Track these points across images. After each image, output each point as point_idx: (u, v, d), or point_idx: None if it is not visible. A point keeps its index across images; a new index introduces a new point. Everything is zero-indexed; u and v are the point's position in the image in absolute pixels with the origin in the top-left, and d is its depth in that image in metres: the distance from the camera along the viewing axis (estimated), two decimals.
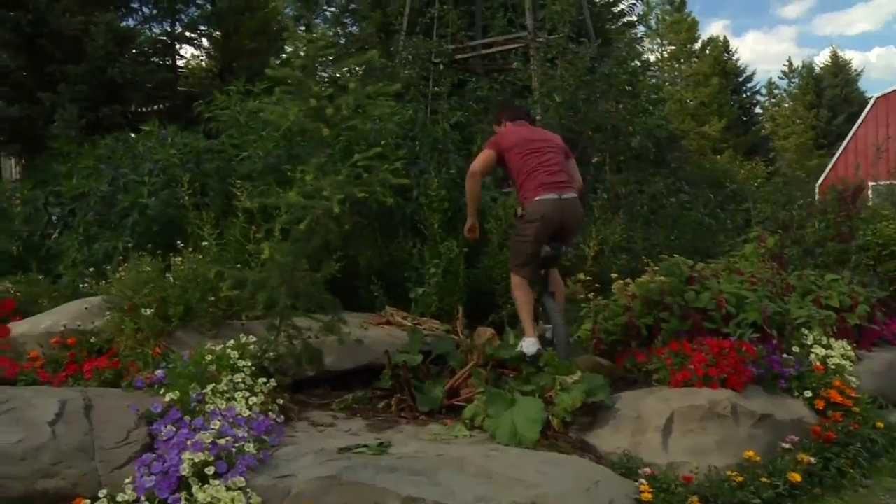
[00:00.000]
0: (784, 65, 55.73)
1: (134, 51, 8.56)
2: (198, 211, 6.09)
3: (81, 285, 5.91)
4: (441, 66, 9.03)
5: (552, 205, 5.26)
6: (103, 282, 5.84)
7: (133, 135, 7.61)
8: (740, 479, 4.07)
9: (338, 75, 5.95)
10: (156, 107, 9.70)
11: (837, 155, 26.55)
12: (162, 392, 4.41)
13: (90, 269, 5.97)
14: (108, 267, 5.88)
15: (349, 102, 4.44)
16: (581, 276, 6.39)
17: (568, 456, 4.21)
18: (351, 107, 4.46)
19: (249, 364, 4.65)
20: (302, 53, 4.41)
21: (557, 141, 5.72)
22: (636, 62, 8.67)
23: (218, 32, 9.63)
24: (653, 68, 9.09)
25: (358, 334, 5.11)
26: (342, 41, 12.77)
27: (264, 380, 4.51)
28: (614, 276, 6.34)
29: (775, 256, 6.94)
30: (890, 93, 26.21)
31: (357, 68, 4.46)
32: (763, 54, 69.24)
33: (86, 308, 5.51)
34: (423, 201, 6.41)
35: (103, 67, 8.36)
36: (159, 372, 4.62)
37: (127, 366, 4.87)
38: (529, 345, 5.18)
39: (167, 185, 6.35)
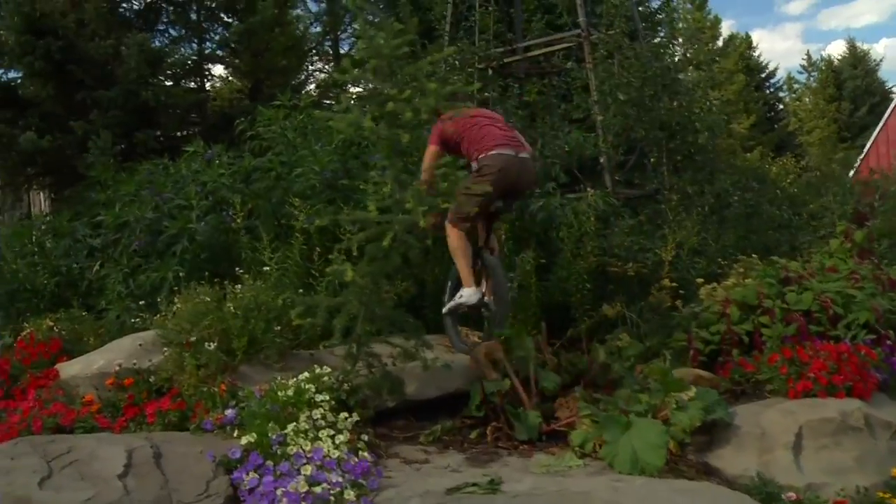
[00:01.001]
0: (802, 58, 55.09)
1: (168, 72, 8.21)
2: (250, 235, 5.68)
3: (132, 321, 5.50)
4: (489, 71, 8.64)
5: (510, 160, 5.13)
6: (156, 315, 5.46)
7: (169, 159, 7.24)
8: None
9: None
10: (187, 131, 9.36)
11: (868, 146, 25.97)
12: (236, 434, 4.02)
13: (140, 303, 5.56)
14: (159, 299, 5.47)
15: (429, 105, 4.03)
16: (666, 282, 5.93)
17: (698, 483, 3.76)
18: (431, 110, 4.04)
19: (327, 398, 4.23)
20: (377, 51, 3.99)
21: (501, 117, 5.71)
22: (685, 56, 8.21)
23: (247, 51, 9.27)
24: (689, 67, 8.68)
25: (446, 359, 4.66)
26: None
27: (345, 414, 4.09)
28: (699, 280, 5.90)
29: (864, 251, 6.44)
30: None
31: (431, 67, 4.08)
32: (769, 52, 68.80)
33: (139, 345, 5.11)
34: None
35: (136, 91, 8.02)
36: (229, 412, 4.22)
37: (192, 406, 4.45)
38: (470, 294, 5.11)
39: (214, 208, 5.96)
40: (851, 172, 22.83)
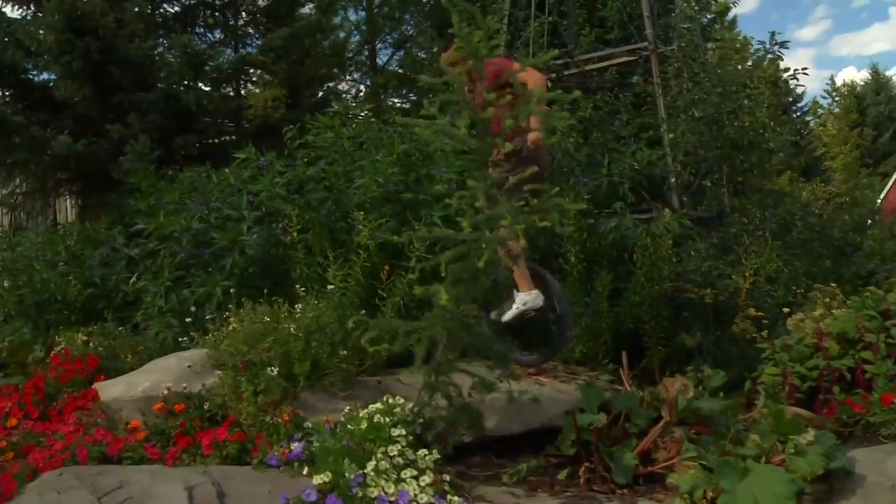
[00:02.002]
0: (826, 83, 54.76)
1: (213, 76, 7.85)
2: (306, 249, 5.30)
3: (181, 339, 5.10)
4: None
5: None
6: (203, 333, 5.07)
7: (211, 167, 6.87)
8: None
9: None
10: (223, 138, 8.99)
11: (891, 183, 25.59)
12: (306, 472, 3.62)
13: (186, 320, 5.17)
14: (208, 316, 5.07)
15: (531, 112, 3.64)
16: (751, 311, 5.51)
17: None
18: (531, 117, 3.66)
19: (404, 432, 3.82)
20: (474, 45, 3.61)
21: None
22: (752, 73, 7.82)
23: (287, 57, 8.91)
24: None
25: (534, 391, 4.25)
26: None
27: (425, 451, 3.68)
28: (786, 310, 5.49)
29: None
30: None
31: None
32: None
33: (188, 366, 4.71)
34: (558, 231, 5.56)
35: (176, 94, 7.67)
36: (296, 445, 3.82)
37: (252, 438, 4.05)
38: (535, 297, 4.68)
39: (263, 220, 5.58)
40: (879, 199, 22.45)
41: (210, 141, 7.91)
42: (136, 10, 7.84)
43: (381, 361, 4.64)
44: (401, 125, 5.86)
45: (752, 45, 7.49)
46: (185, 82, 8.03)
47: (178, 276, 5.82)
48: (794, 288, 6.39)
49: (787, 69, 7.18)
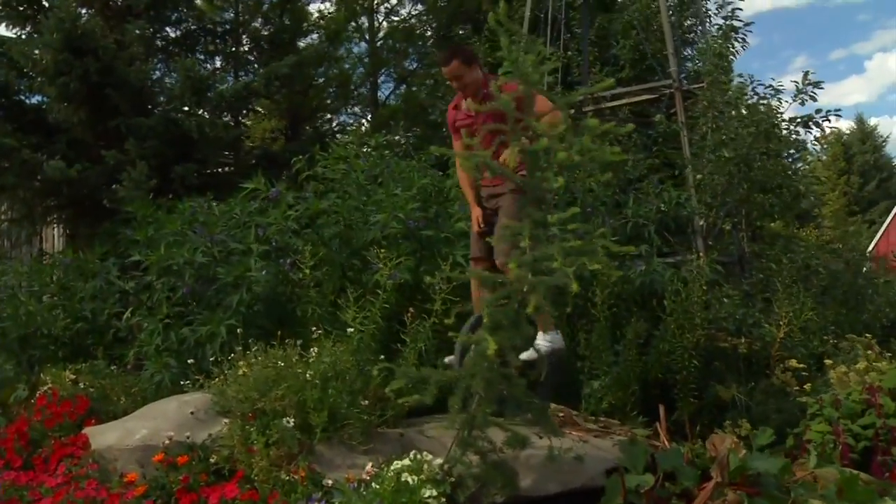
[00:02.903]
0: (813, 131, 55.38)
1: (216, 102, 7.49)
2: (319, 287, 4.94)
3: (182, 382, 4.70)
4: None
5: None
6: (205, 376, 4.67)
7: (213, 198, 6.51)
8: None
9: None
10: (220, 169, 8.63)
11: (887, 223, 25.64)
12: None
13: (188, 360, 4.77)
14: (213, 357, 4.68)
15: (585, 146, 3.33)
16: (793, 362, 5.19)
17: None
18: (586, 150, 3.34)
19: (435, 493, 3.46)
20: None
21: None
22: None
23: (288, 86, 8.60)
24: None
25: (577, 449, 3.87)
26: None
27: None
28: (828, 362, 5.19)
29: None
30: None
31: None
32: None
33: (191, 412, 4.31)
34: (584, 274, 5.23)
35: (177, 120, 7.31)
36: None
37: (265, 496, 3.65)
38: (560, 338, 4.47)
39: (273, 255, 5.21)
40: (871, 247, 22.41)
41: (208, 171, 7.53)
42: (137, 32, 7.51)
43: (402, 412, 4.27)
44: (426, 156, 5.54)
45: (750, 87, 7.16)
46: (186, 108, 7.69)
47: (176, 312, 5.44)
48: (825, 337, 6.10)
49: (819, 110, 6.97)
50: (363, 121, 13.32)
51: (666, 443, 4.52)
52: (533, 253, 3.43)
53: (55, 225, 9.20)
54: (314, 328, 4.49)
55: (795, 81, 6.69)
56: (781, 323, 5.59)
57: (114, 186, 7.02)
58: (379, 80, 14.13)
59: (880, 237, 25.03)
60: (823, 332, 6.27)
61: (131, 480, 3.94)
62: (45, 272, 6.55)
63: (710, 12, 9.26)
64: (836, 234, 25.19)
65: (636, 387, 5.28)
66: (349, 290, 4.41)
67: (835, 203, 35.35)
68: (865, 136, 39.35)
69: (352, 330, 4.25)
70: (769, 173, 6.65)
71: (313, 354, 4.23)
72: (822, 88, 6.58)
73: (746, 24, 7.01)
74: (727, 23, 7.09)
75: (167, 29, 8.46)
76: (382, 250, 4.72)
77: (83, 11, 7.07)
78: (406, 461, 3.64)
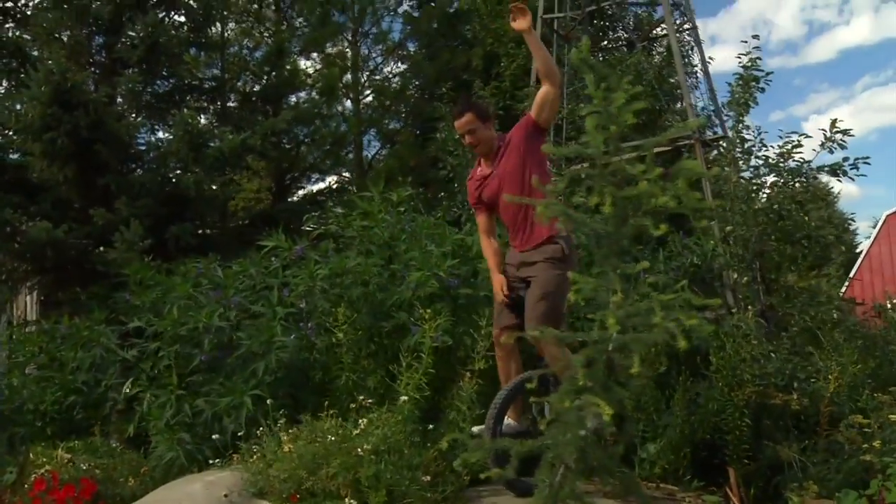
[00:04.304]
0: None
1: (213, 158, 7.07)
2: (353, 353, 4.55)
3: (212, 460, 4.24)
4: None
5: None
6: (234, 452, 4.23)
7: (214, 257, 6.11)
8: None
9: None
10: (210, 230, 8.18)
11: (853, 273, 25.94)
12: None
13: (213, 436, 4.31)
14: (240, 433, 4.24)
15: (682, 191, 3.06)
16: (858, 418, 4.93)
17: None
18: (682, 195, 3.07)
19: None
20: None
21: None
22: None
23: (281, 144, 8.29)
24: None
25: None
26: None
27: None
28: (892, 417, 4.93)
29: None
30: None
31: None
32: None
33: (224, 495, 3.85)
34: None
35: (170, 177, 6.89)
36: None
37: None
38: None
39: (300, 318, 4.82)
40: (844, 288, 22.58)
41: (200, 232, 7.10)
42: (130, 85, 7.14)
43: (462, 484, 3.88)
44: (443, 211, 5.23)
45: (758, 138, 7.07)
46: (180, 165, 7.29)
47: (187, 383, 4.97)
48: (865, 391, 5.86)
49: (846, 158, 6.86)
50: (347, 179, 12.98)
51: None
52: (631, 308, 3.12)
53: (27, 292, 8.62)
54: (354, 397, 4.10)
55: (823, 130, 6.59)
56: (830, 377, 5.34)
57: (101, 249, 6.57)
58: (363, 141, 13.86)
59: (846, 288, 25.25)
60: (862, 386, 6.05)
61: None
62: (31, 341, 6.02)
63: (696, 68, 9.32)
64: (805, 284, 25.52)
65: (688, 450, 4.97)
66: (405, 356, 4.04)
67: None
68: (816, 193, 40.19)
69: (405, 398, 3.85)
70: (798, 224, 6.49)
71: (361, 426, 3.83)
72: (852, 136, 6.49)
73: (767, 74, 6.95)
74: (747, 72, 7.00)
75: (158, 83, 8.10)
76: (427, 311, 4.35)
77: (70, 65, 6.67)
78: None
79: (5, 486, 5.07)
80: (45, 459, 5.03)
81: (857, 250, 26.93)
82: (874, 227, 27.85)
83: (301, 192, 9.92)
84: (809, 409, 5.38)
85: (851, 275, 26.29)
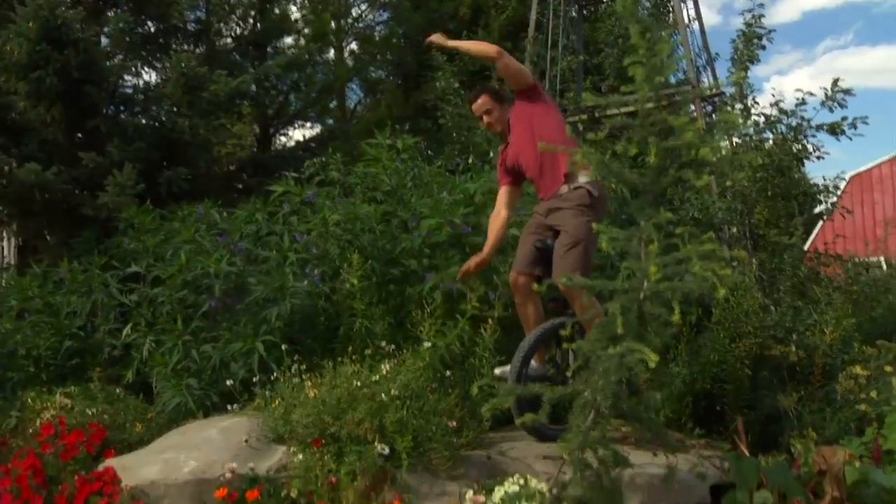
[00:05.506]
0: None
1: (208, 102, 6.85)
2: (365, 299, 4.53)
3: (231, 406, 4.21)
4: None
5: None
6: (250, 398, 4.23)
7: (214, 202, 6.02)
8: None
9: None
10: (199, 176, 7.99)
11: (816, 231, 26.45)
12: None
13: (228, 382, 4.28)
14: (255, 378, 4.23)
15: (720, 145, 3.09)
16: (858, 369, 5.07)
17: None
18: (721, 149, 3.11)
19: None
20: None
21: None
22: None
23: (273, 89, 8.07)
24: None
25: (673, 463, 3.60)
26: None
27: None
28: (888, 369, 5.09)
29: None
30: (863, 171, 26.56)
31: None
32: None
33: (245, 440, 3.84)
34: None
35: (170, 121, 6.69)
36: None
37: None
38: None
39: (312, 265, 4.78)
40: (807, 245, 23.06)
41: (192, 176, 6.94)
42: (121, 25, 6.90)
43: (483, 431, 3.93)
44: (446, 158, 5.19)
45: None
46: (174, 109, 7.09)
47: (193, 328, 4.92)
48: (856, 344, 6.02)
49: (844, 118, 6.91)
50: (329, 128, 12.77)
51: (747, 454, 4.30)
52: (674, 256, 3.17)
53: (7, 237, 8.41)
54: (368, 343, 4.10)
55: (825, 88, 6.64)
56: (826, 330, 5.48)
57: (88, 192, 6.41)
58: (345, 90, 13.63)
59: (809, 245, 25.78)
60: (852, 340, 6.21)
61: None
62: (27, 286, 5.88)
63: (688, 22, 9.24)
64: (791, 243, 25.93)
65: (689, 398, 5.08)
66: (431, 303, 4.05)
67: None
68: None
69: (428, 345, 3.86)
70: (793, 181, 6.58)
71: (384, 372, 3.85)
72: (853, 95, 6.55)
73: (769, 31, 6.98)
74: (750, 29, 7.01)
75: (149, 22, 7.83)
76: (442, 257, 4.35)
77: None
78: (514, 487, 3.31)
79: (6, 430, 5.02)
80: (45, 405, 4.98)
81: (816, 211, 27.61)
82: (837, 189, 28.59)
83: (283, 140, 9.78)
84: (805, 360, 5.52)
85: (814, 233, 26.91)
